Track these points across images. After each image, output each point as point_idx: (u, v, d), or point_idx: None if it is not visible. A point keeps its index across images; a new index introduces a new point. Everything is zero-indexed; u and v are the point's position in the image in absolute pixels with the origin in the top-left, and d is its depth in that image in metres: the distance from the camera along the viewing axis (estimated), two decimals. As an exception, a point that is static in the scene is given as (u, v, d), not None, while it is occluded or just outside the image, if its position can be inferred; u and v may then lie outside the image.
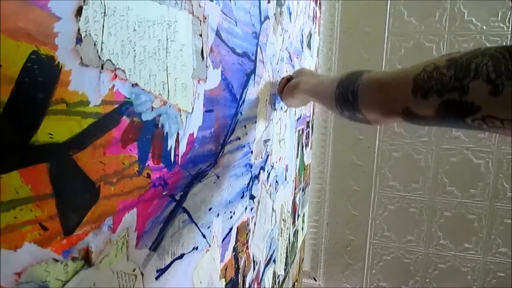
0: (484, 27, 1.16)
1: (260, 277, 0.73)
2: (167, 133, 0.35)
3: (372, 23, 1.26)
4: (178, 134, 0.37)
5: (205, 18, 0.41)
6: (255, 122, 0.62)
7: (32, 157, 0.21)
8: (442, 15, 1.20)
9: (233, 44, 0.50)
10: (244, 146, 0.58)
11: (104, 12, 0.25)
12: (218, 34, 0.44)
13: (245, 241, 0.62)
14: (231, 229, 0.55)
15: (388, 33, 1.25)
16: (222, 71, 0.47)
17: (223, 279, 0.53)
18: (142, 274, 0.33)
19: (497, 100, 0.28)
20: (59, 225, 0.23)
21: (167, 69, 0.34)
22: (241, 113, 0.55)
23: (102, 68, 0.25)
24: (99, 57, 0.25)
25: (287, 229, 0.97)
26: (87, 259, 0.26)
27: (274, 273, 0.85)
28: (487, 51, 0.29)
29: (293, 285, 1.15)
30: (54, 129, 0.22)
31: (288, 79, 0.68)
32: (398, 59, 1.25)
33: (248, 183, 0.62)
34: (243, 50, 0.54)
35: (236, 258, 0.58)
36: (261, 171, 0.68)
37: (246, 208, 0.61)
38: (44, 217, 0.22)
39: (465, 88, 0.30)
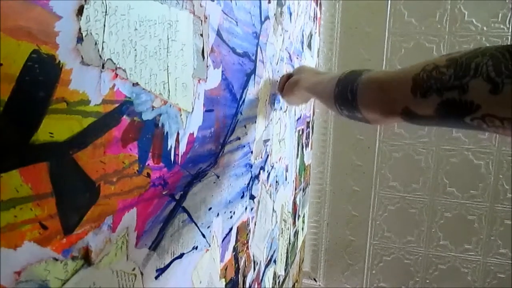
0: (485, 28, 1.16)
1: (260, 278, 0.73)
2: (167, 133, 0.35)
3: (372, 23, 1.26)
4: (178, 133, 0.37)
5: (206, 18, 0.41)
6: (255, 122, 0.62)
7: (32, 156, 0.21)
8: (443, 16, 1.20)
9: (234, 44, 0.50)
10: (244, 146, 0.58)
11: (105, 11, 0.25)
12: (219, 34, 0.45)
13: (245, 241, 0.62)
14: (231, 229, 0.55)
15: (389, 33, 1.25)
16: (222, 71, 0.47)
17: (223, 279, 0.53)
18: (142, 274, 0.33)
19: (496, 98, 0.28)
20: (59, 224, 0.23)
21: (167, 68, 0.34)
22: (241, 113, 0.55)
23: (103, 67, 0.25)
24: (100, 56, 0.25)
25: (288, 229, 0.97)
26: (86, 258, 0.26)
27: (275, 273, 0.85)
28: (487, 51, 0.29)
29: (293, 285, 1.15)
30: (54, 128, 0.22)
31: (288, 76, 0.67)
32: (398, 60, 1.25)
33: (248, 183, 0.62)
34: (243, 50, 0.54)
35: (236, 258, 0.58)
36: (261, 171, 0.68)
37: (246, 208, 0.61)
38: (44, 216, 0.22)
39: (465, 87, 0.30)
